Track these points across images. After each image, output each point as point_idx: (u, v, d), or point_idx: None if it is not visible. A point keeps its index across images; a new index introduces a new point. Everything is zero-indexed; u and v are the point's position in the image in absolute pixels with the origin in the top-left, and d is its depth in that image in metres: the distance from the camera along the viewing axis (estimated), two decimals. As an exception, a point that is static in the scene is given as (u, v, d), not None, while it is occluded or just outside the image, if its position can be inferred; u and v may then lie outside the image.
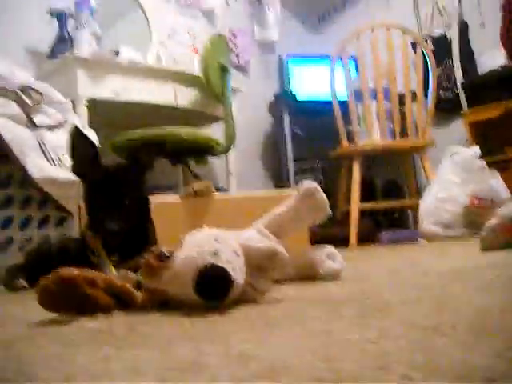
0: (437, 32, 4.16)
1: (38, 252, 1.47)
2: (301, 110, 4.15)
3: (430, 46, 4.05)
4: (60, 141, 2.21)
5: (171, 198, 2.50)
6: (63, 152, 2.26)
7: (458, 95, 4.13)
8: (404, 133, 3.49)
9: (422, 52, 3.46)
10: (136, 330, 0.69)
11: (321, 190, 1.18)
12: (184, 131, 2.94)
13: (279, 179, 4.38)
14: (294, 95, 4.19)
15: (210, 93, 3.19)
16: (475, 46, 4.06)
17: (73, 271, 0.79)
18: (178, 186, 3.33)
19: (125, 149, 2.87)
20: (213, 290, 0.76)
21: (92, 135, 2.38)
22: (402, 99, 3.46)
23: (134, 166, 1.31)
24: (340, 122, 3.47)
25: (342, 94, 3.44)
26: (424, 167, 3.54)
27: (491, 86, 3.86)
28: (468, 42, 4.09)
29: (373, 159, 3.91)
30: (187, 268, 0.78)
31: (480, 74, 3.99)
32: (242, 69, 4.28)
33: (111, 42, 3.15)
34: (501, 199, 3.08)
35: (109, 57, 2.87)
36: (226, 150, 3.31)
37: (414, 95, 3.52)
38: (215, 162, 3.86)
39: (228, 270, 0.74)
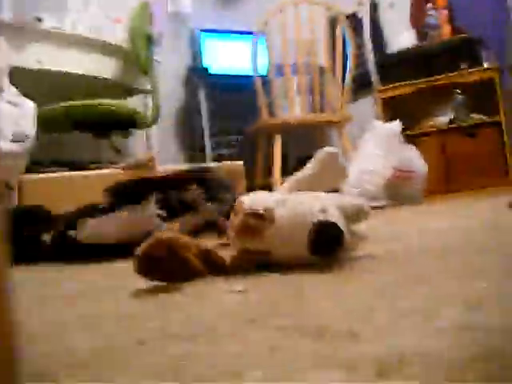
0: (347, 11, 4.27)
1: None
2: (215, 85, 4.11)
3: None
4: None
5: (115, 171, 2.42)
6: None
7: (367, 72, 4.29)
8: (322, 107, 3.57)
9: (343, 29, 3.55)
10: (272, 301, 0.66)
11: (340, 155, 1.19)
12: (113, 103, 2.84)
13: (194, 154, 4.33)
14: (207, 69, 4.15)
15: (136, 64, 3.08)
16: (384, 25, 4.23)
17: (171, 235, 0.75)
18: (101, 161, 3.21)
19: (46, 122, 2.73)
20: (327, 246, 0.75)
21: (29, 104, 2.23)
22: (320, 75, 3.53)
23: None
24: (261, 95, 3.48)
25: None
26: (343, 141, 3.65)
27: (402, 64, 4.07)
28: (378, 21, 4.25)
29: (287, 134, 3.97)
30: (297, 226, 0.76)
31: (389, 52, 4.18)
32: (155, 41, 4.15)
33: (27, 8, 2.94)
34: (420, 171, 3.28)
35: (31, 23, 2.68)
36: (152, 123, 3.23)
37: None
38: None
39: (340, 226, 0.74)
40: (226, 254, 0.83)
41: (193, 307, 0.61)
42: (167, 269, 0.74)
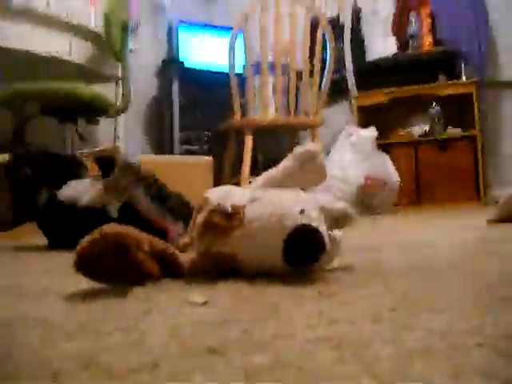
0: (329, 15, 4.19)
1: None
2: (189, 79, 3.99)
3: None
4: None
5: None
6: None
7: (344, 78, 4.22)
8: (297, 110, 3.47)
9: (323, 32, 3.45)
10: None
11: (321, 154, 1.08)
12: (81, 88, 2.70)
13: (161, 147, 4.20)
14: (183, 62, 4.02)
15: (109, 50, 2.94)
16: (366, 32, 4.17)
17: (119, 229, 0.63)
18: (65, 147, 3.07)
19: (9, 102, 2.59)
20: (306, 255, 0.64)
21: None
22: (296, 76, 3.43)
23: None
24: (235, 94, 3.36)
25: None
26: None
27: (381, 72, 4.00)
28: (359, 27, 4.18)
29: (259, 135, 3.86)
30: (270, 228, 0.65)
31: (368, 60, 4.12)
32: (131, 29, 4.00)
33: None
34: (392, 181, 3.20)
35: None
36: (122, 111, 3.09)
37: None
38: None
39: (321, 232, 0.63)
40: (186, 256, 0.71)
41: (134, 322, 0.48)
42: (111, 268, 0.62)
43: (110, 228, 0.62)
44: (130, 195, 1.12)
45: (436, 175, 3.91)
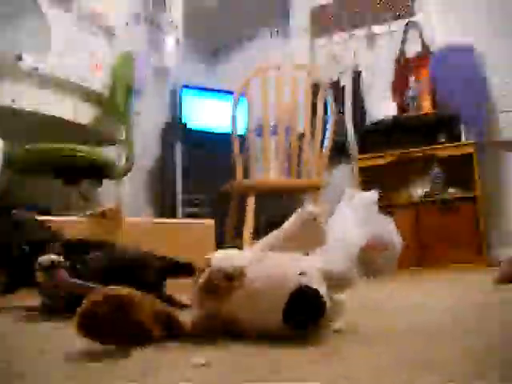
0: (330, 78, 4.30)
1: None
2: (192, 141, 4.05)
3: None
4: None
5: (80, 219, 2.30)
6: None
7: (346, 140, 4.28)
8: (299, 172, 3.50)
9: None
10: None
11: (321, 216, 1.09)
12: (83, 150, 2.74)
13: (164, 209, 4.22)
14: (185, 124, 4.10)
15: (113, 112, 3.01)
16: (366, 94, 4.26)
17: (121, 291, 0.63)
18: (69, 209, 3.08)
19: (17, 163, 2.63)
20: (306, 316, 0.64)
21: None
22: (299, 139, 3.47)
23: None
24: (237, 156, 3.39)
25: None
26: (316, 207, 3.54)
27: (382, 134, 4.06)
28: (359, 90, 4.27)
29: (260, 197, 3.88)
30: (271, 290, 0.65)
31: (369, 122, 4.19)
32: (135, 92, 4.09)
33: (7, 43, 2.86)
34: (394, 243, 3.20)
35: (10, 59, 2.60)
36: (125, 174, 3.13)
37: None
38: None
39: (321, 294, 0.63)
40: (187, 318, 0.72)
41: (135, 383, 0.49)
42: (114, 330, 0.62)
43: (112, 290, 0.63)
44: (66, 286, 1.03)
45: (438, 236, 3.91)
